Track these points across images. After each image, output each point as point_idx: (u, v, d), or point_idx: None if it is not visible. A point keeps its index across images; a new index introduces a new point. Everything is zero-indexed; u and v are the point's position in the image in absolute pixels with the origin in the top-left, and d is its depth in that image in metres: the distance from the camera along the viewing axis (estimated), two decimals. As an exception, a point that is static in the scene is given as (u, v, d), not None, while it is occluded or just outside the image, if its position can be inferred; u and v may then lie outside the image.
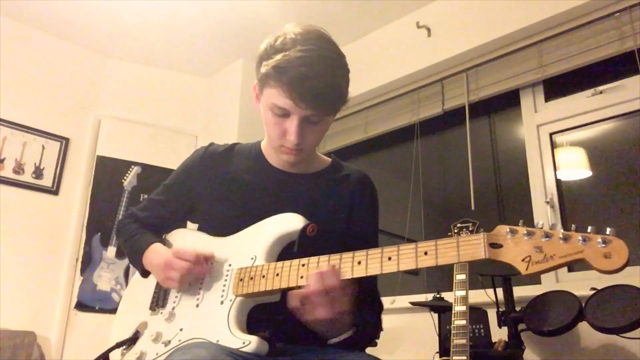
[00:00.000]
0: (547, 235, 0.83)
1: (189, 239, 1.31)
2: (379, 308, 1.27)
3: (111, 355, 1.20)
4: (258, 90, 1.21)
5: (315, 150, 1.33)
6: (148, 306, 1.24)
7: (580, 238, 0.81)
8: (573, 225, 0.83)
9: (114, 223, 3.52)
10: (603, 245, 0.79)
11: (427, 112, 3.07)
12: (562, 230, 0.83)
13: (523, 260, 0.84)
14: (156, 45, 3.67)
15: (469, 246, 0.89)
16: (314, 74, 1.08)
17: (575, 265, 2.35)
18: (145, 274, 1.30)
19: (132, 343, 1.20)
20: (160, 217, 1.37)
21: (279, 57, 1.10)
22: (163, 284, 1.22)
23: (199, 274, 1.16)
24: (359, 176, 1.33)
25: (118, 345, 1.20)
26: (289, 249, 1.13)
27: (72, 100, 3.63)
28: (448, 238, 0.93)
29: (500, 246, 0.87)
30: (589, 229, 0.82)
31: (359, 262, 1.00)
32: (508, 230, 0.87)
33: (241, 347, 1.02)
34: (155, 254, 1.24)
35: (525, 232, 0.85)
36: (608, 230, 0.81)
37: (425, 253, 0.93)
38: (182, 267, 1.14)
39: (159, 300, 1.24)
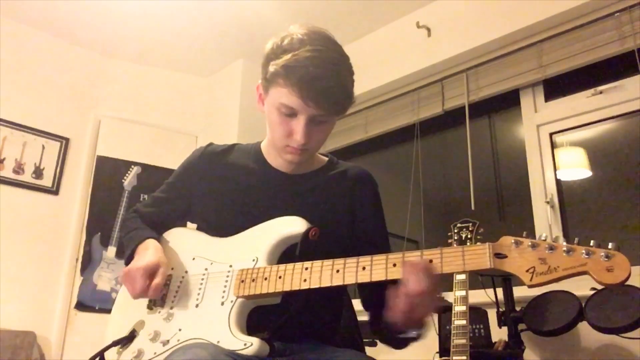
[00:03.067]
0: (551, 248, 0.86)
1: (186, 238, 1.31)
2: None
3: (107, 354, 1.19)
4: (262, 90, 1.20)
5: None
6: (145, 304, 1.23)
7: (584, 251, 0.83)
8: (576, 238, 0.86)
9: (114, 223, 3.53)
10: (606, 259, 0.81)
11: (427, 112, 3.07)
12: (565, 243, 0.86)
13: (527, 270, 0.86)
14: (156, 45, 3.67)
15: (475, 255, 0.91)
16: (323, 75, 1.09)
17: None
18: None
19: (128, 342, 1.19)
20: (163, 214, 1.38)
21: (288, 56, 1.10)
22: None
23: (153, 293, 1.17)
24: (358, 172, 1.32)
25: (114, 344, 1.18)
26: (290, 252, 1.12)
27: (72, 100, 3.63)
28: (453, 247, 0.95)
29: (505, 256, 0.89)
30: (592, 243, 0.84)
31: (364, 268, 0.99)
32: (513, 241, 0.89)
33: (242, 349, 1.01)
34: (145, 250, 1.23)
35: (530, 243, 0.88)
36: (610, 244, 0.83)
37: (431, 261, 0.94)
38: (132, 289, 1.16)
39: (156, 298, 1.23)
